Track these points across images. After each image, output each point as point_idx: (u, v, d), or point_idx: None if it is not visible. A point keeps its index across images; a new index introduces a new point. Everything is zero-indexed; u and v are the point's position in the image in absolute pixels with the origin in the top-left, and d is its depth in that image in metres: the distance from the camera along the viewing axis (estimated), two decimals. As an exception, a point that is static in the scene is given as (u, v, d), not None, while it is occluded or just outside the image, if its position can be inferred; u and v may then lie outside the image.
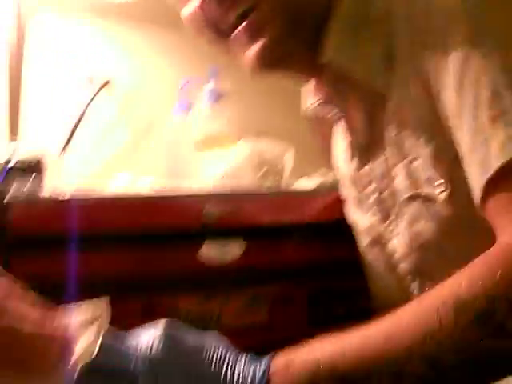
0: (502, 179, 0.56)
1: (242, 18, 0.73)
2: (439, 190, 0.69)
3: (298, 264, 1.02)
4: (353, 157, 0.83)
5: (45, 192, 0.91)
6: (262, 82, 1.47)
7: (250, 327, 0.99)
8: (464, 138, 0.60)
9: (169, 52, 1.46)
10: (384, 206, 0.80)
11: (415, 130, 0.70)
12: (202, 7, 0.75)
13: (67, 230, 0.84)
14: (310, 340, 0.58)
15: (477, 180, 0.58)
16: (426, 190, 0.71)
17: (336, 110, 0.83)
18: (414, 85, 0.69)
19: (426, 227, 0.73)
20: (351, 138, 0.82)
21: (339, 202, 0.96)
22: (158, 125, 1.37)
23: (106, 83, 1.34)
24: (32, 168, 0.94)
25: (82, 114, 1.28)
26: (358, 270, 0.94)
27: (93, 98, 1.30)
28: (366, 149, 0.80)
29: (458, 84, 0.61)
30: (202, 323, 0.95)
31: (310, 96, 0.88)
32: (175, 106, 1.31)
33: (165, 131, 1.31)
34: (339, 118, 0.84)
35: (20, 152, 0.96)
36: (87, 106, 1.29)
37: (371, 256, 0.89)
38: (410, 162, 0.71)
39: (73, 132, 1.26)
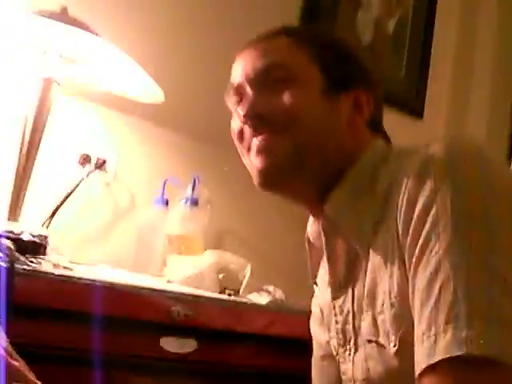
0: (437, 370, 0.68)
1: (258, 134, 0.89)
2: (392, 344, 0.80)
3: (244, 368, 1.20)
4: (328, 288, 0.94)
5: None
6: (236, 197, 1.69)
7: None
8: (420, 321, 0.71)
9: (159, 150, 1.64)
10: (345, 334, 0.92)
11: (385, 292, 0.81)
12: (242, 124, 0.92)
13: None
14: None
15: (421, 358, 0.70)
16: (382, 340, 0.83)
17: (324, 247, 0.93)
18: (392, 254, 0.79)
19: (376, 368, 0.85)
20: (330, 273, 0.93)
21: (288, 320, 1.16)
22: (138, 211, 1.54)
23: (103, 162, 1.51)
24: (36, 246, 1.10)
25: (73, 190, 1.44)
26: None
27: (87, 175, 1.47)
28: (340, 287, 0.91)
29: (427, 280, 0.71)
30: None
31: (310, 222, 0.99)
32: (155, 198, 1.49)
33: (143, 218, 1.49)
34: (325, 254, 0.94)
35: (25, 230, 1.11)
36: (80, 183, 1.45)
37: (321, 368, 1.00)
38: (378, 314, 0.83)
39: (59, 207, 1.42)
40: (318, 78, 0.91)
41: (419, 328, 0.71)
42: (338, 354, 0.95)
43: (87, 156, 1.51)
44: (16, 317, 0.84)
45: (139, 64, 1.37)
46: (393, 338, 0.80)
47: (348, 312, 0.91)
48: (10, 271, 0.97)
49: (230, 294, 1.27)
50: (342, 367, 0.94)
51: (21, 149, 1.27)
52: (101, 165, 1.52)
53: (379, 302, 0.83)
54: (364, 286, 0.86)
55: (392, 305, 0.80)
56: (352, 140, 0.92)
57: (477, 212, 0.71)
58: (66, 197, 1.43)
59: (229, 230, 1.65)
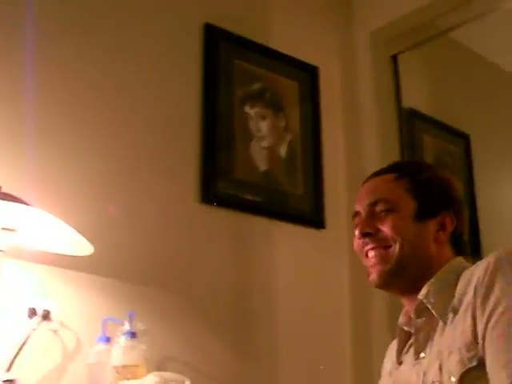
0: None
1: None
2: (453, 379, 1.12)
3: None
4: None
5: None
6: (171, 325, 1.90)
7: None
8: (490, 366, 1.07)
9: (95, 294, 1.87)
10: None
11: (453, 348, 1.14)
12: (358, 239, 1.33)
13: None
14: None
15: None
16: (445, 380, 1.14)
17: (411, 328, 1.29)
18: (462, 326, 1.14)
19: None
20: (415, 340, 1.27)
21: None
22: (83, 351, 1.74)
23: (48, 313, 1.72)
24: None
25: (26, 340, 1.64)
26: None
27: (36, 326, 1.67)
28: (418, 351, 1.25)
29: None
30: None
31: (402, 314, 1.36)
32: (98, 337, 1.70)
33: (88, 356, 1.69)
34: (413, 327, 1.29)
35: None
36: (31, 333, 1.65)
37: None
38: (444, 362, 1.15)
39: (17, 354, 1.61)
40: (412, 206, 1.30)
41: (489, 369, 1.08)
42: None
43: (34, 309, 1.71)
44: None
45: (70, 221, 1.63)
46: (453, 377, 1.13)
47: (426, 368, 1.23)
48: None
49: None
50: None
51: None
52: (46, 315, 1.72)
53: (445, 354, 1.16)
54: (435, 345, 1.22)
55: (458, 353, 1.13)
56: (436, 251, 1.29)
57: None
58: (22, 346, 1.63)
59: (168, 354, 1.86)
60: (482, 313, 1.10)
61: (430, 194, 1.33)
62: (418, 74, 3.11)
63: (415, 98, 3.05)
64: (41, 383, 1.68)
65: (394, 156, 2.86)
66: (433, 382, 1.17)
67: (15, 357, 1.61)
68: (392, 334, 1.43)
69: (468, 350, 1.11)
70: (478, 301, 1.11)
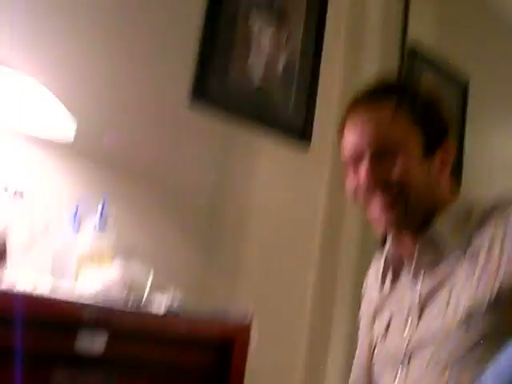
0: None
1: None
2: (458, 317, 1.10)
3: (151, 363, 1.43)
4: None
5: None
6: (139, 215, 1.91)
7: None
8: None
9: (68, 176, 1.85)
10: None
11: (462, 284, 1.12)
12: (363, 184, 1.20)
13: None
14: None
15: None
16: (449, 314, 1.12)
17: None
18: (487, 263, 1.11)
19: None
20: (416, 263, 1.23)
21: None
22: (52, 232, 1.73)
23: (20, 192, 1.70)
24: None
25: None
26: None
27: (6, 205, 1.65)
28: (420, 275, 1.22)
29: None
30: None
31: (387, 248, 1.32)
32: (68, 221, 1.69)
33: (56, 239, 1.68)
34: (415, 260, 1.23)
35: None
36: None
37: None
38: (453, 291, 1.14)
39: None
40: (420, 141, 1.20)
41: None
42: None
43: (5, 187, 1.69)
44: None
45: (54, 99, 1.59)
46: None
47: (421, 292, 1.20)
48: None
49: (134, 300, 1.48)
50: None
51: None
52: (18, 194, 1.70)
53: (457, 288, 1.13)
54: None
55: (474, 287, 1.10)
56: (441, 184, 1.23)
57: None
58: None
59: (135, 246, 1.86)
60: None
61: (434, 121, 1.23)
62: (428, 9, 3.05)
63: (421, 33, 3.00)
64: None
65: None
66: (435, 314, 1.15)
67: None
68: (361, 250, 1.41)
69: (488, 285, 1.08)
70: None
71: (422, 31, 3.00)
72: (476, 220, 1.17)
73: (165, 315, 1.48)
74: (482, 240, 1.13)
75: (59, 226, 1.72)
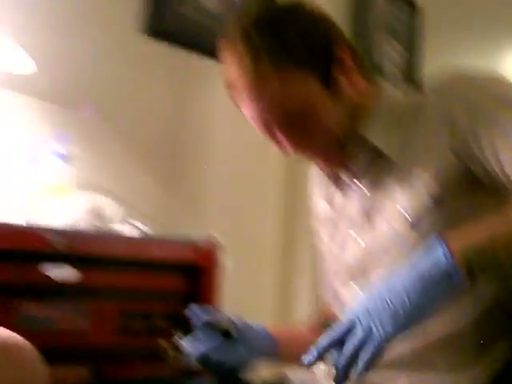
0: None
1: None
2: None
3: (121, 289, 1.46)
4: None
5: None
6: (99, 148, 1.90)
7: (73, 332, 1.39)
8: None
9: (28, 114, 1.82)
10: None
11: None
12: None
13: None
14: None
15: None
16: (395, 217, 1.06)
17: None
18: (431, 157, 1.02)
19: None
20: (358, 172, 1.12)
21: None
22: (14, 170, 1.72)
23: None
24: None
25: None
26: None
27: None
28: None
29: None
30: (37, 326, 1.33)
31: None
32: (30, 158, 1.67)
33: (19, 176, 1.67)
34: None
35: None
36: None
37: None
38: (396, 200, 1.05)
39: None
40: (316, 85, 1.03)
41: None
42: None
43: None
44: None
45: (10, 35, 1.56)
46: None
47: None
48: None
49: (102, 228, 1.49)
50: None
51: None
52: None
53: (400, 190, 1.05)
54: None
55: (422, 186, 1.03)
56: (355, 91, 1.07)
57: None
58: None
59: (97, 181, 1.86)
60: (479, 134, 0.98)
61: (316, 49, 1.04)
62: None
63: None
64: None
65: (342, 9, 2.82)
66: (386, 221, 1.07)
67: None
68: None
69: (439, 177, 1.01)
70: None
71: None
72: (410, 116, 1.07)
73: (134, 238, 1.49)
74: (425, 139, 1.05)
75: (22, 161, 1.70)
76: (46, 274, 1.33)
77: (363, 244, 1.13)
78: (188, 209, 2.20)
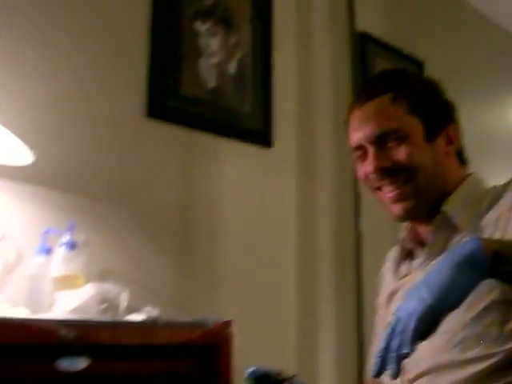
0: None
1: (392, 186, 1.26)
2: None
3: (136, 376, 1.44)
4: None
5: None
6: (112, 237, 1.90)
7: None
8: None
9: (35, 204, 1.84)
10: None
11: None
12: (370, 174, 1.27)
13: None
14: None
15: None
16: None
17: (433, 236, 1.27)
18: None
19: None
20: (429, 247, 1.27)
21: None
22: (24, 262, 1.72)
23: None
24: None
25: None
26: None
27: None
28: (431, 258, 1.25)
29: None
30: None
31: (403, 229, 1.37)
32: (38, 248, 1.68)
33: (28, 268, 1.68)
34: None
35: None
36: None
37: None
38: None
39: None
40: (420, 128, 1.25)
41: None
42: None
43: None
44: None
45: (8, 125, 1.59)
46: None
47: None
48: None
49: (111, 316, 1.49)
50: None
51: None
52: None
53: None
54: None
55: None
56: (449, 166, 1.29)
57: None
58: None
59: (108, 266, 1.87)
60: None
61: (432, 108, 1.29)
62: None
63: (369, 23, 3.04)
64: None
65: (346, 78, 2.87)
66: None
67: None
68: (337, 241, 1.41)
69: None
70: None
71: (371, 21, 3.05)
72: (488, 202, 1.21)
73: (144, 324, 1.48)
74: (488, 221, 1.18)
75: (30, 254, 1.71)
76: (58, 364, 1.32)
77: None
78: (202, 285, 2.18)
